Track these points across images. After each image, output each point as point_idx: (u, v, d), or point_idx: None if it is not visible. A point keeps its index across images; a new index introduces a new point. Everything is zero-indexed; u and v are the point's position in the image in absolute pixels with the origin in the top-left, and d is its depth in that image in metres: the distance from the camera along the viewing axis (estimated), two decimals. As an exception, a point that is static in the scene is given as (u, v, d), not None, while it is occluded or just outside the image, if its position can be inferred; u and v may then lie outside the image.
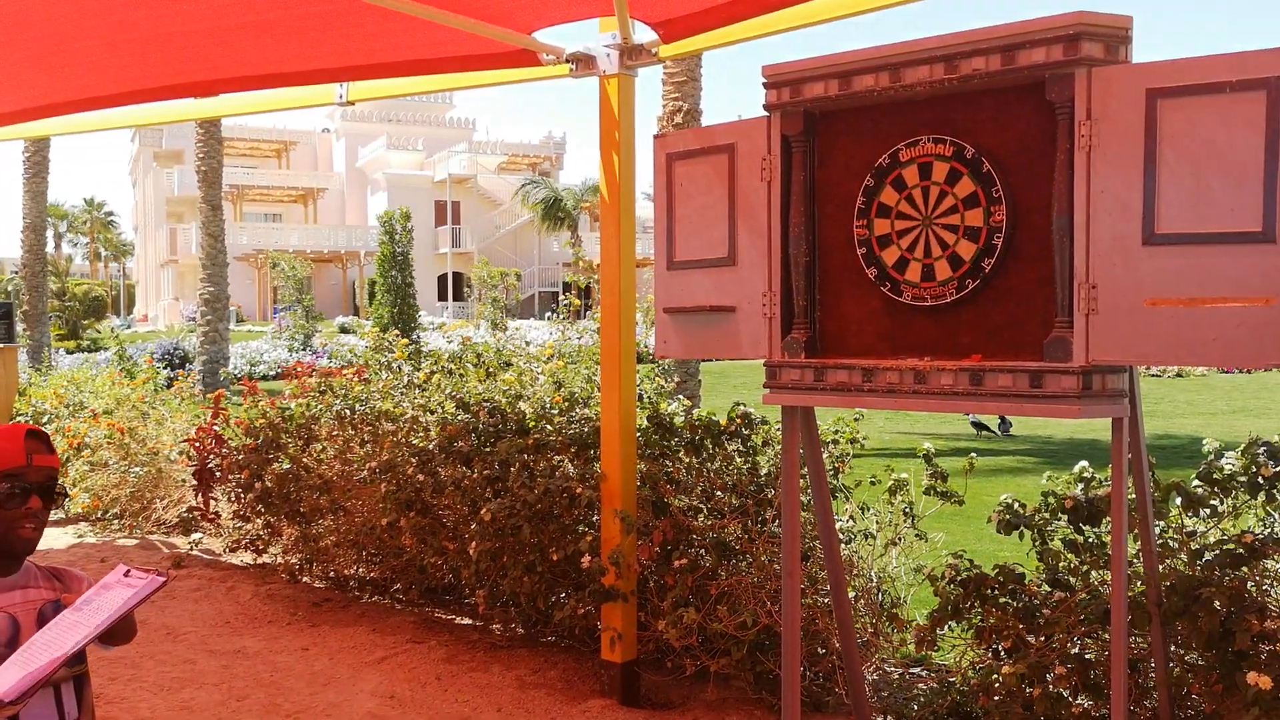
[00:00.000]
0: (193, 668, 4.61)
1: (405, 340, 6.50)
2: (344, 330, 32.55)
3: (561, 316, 7.42)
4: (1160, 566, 3.11)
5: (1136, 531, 3.07)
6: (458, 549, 4.76)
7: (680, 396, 5.64)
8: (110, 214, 69.07)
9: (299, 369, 6.70)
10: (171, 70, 4.83)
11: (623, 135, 4.11)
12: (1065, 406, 2.52)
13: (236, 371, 22.64)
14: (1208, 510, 3.40)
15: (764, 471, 4.37)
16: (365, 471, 5.24)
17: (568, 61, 4.20)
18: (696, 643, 3.97)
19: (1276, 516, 3.35)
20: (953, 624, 3.58)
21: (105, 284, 61.12)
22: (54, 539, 7.21)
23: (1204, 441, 3.60)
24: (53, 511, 2.09)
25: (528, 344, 7.20)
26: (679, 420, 4.56)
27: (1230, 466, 3.36)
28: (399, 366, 6.07)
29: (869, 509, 4.46)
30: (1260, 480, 3.30)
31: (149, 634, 4.96)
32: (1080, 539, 3.45)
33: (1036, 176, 2.58)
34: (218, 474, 6.70)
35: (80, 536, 7.37)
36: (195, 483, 7.07)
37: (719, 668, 3.94)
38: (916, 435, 13.10)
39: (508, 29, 3.96)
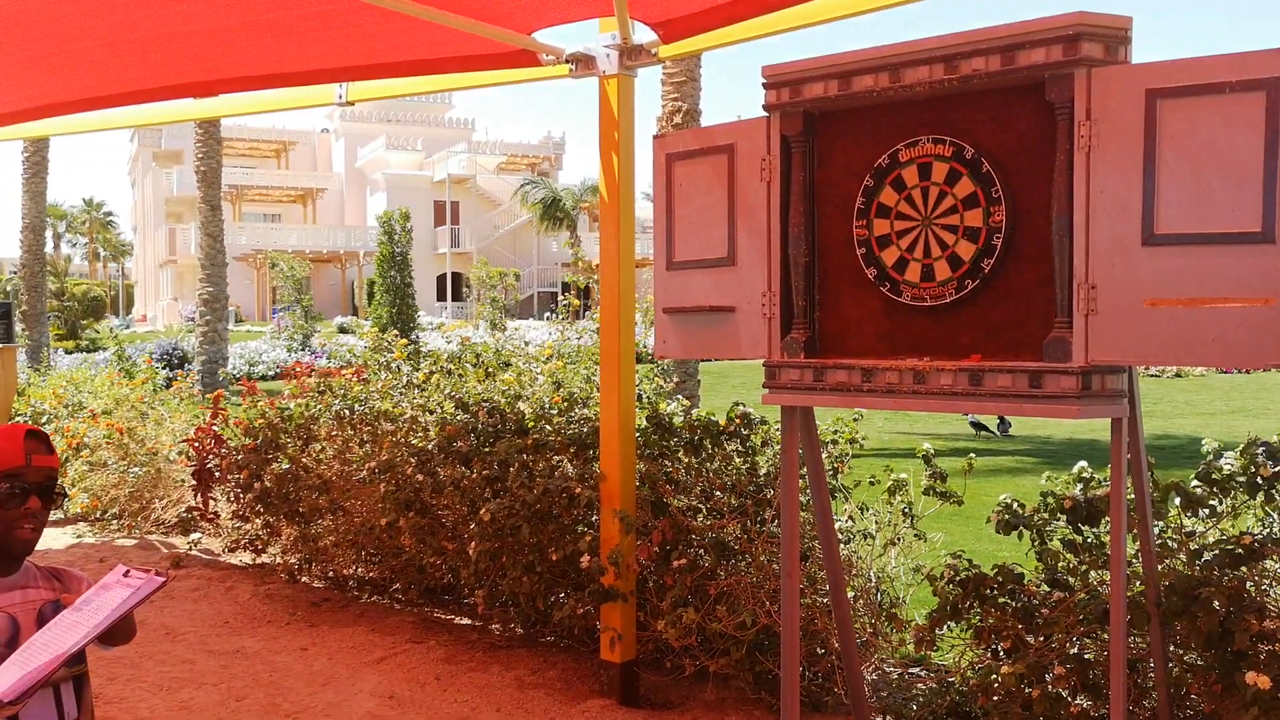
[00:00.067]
0: (192, 668, 4.61)
1: (404, 340, 6.50)
2: (343, 330, 32.54)
3: (560, 317, 7.43)
4: (1159, 566, 3.11)
5: (1135, 531, 3.07)
6: (457, 549, 4.76)
7: (679, 396, 5.65)
8: (109, 214, 69.05)
9: (298, 369, 6.70)
10: (171, 70, 4.83)
11: (622, 135, 4.11)
12: (1064, 407, 2.52)
13: (235, 372, 22.65)
14: (1206, 510, 3.40)
15: (763, 471, 4.37)
16: (364, 471, 5.24)
17: (567, 62, 4.20)
18: (696, 643, 3.97)
19: (1275, 516, 3.36)
20: (952, 624, 3.58)
21: (104, 284, 61.11)
22: (53, 539, 7.20)
23: (1203, 442, 3.60)
24: (52, 512, 2.09)
25: (527, 344, 7.20)
26: (678, 420, 4.56)
27: (1229, 467, 3.37)
28: (398, 367, 6.07)
29: (868, 509, 4.46)
30: (1259, 480, 3.30)
31: (148, 634, 4.96)
32: (1079, 539, 3.45)
33: (1036, 177, 2.58)
34: (217, 474, 6.69)
35: (79, 536, 7.37)
36: (194, 483, 7.07)
37: (718, 668, 3.94)
38: (916, 435, 13.10)
39: (508, 29, 3.96)
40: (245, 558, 6.50)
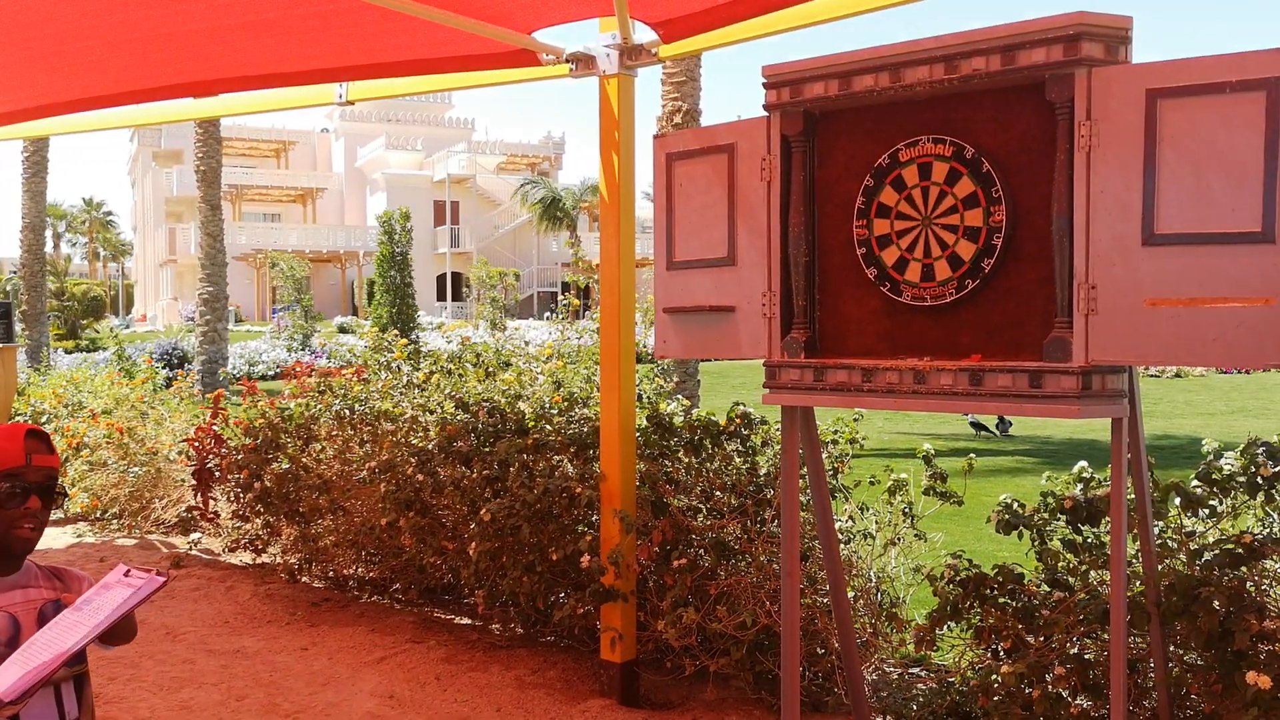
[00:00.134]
0: (192, 667, 4.61)
1: (404, 340, 6.50)
2: (343, 330, 32.55)
3: (561, 316, 7.43)
4: (1159, 566, 3.11)
5: (1136, 531, 3.07)
6: (457, 549, 4.76)
7: (679, 396, 5.65)
8: (109, 214, 69.04)
9: (298, 369, 6.69)
10: (171, 70, 4.83)
11: (622, 135, 4.11)
12: (1065, 407, 2.52)
13: (235, 371, 22.65)
14: (1207, 510, 3.40)
15: (763, 471, 4.37)
16: (364, 471, 5.24)
17: (568, 61, 4.20)
18: (696, 643, 3.97)
19: (1275, 516, 3.36)
20: (952, 624, 3.58)
21: (104, 284, 61.10)
22: (53, 538, 7.20)
23: (1203, 442, 3.61)
24: (52, 511, 2.09)
25: (527, 344, 7.20)
26: (678, 420, 4.56)
27: (1229, 467, 3.37)
28: (398, 366, 6.07)
29: (868, 509, 4.46)
30: (1259, 480, 3.30)
31: (148, 634, 4.96)
32: (1079, 539, 3.45)
33: (1036, 177, 2.58)
34: (217, 474, 6.69)
35: (79, 536, 7.37)
36: (194, 482, 7.07)
37: (718, 667, 3.94)
38: (916, 435, 13.10)
39: (508, 29, 3.96)
40: (245, 558, 6.50)
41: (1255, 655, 2.90)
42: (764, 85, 2.95)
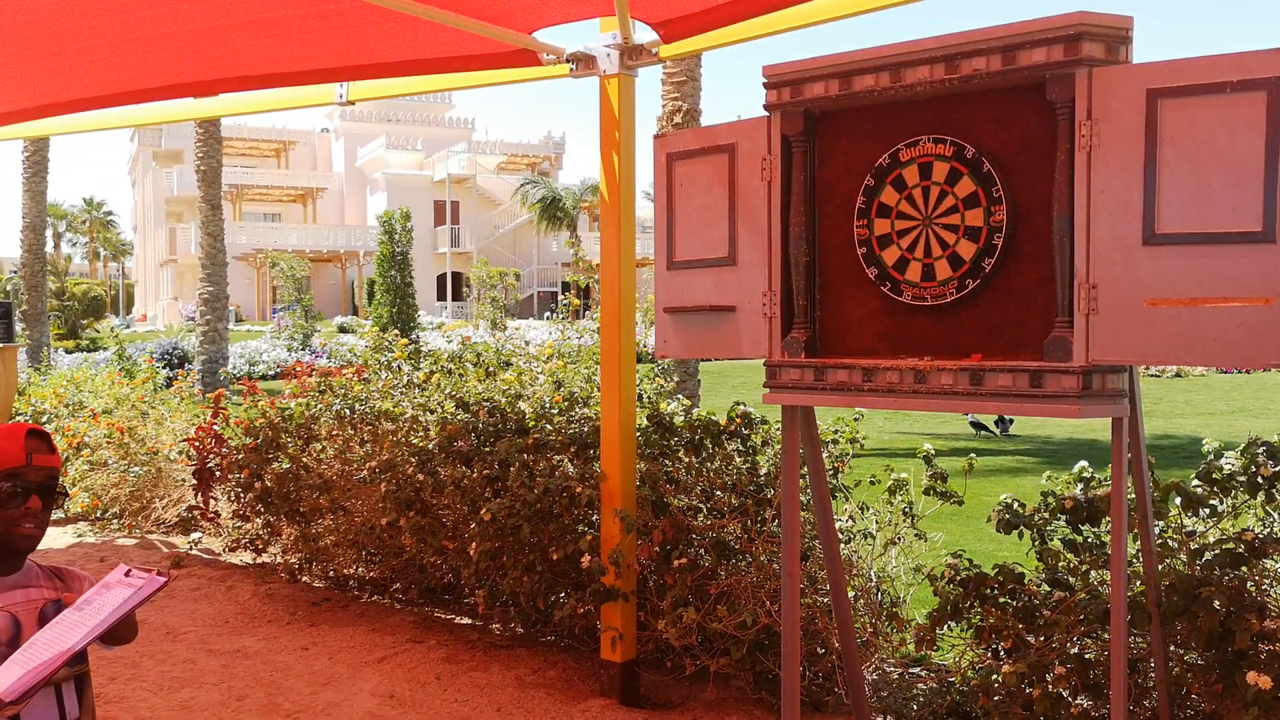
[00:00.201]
0: (192, 667, 4.61)
1: (404, 340, 6.50)
2: (343, 330, 32.56)
3: (561, 316, 7.43)
4: (1160, 566, 3.11)
5: (1136, 531, 3.07)
6: (457, 548, 4.76)
7: (680, 396, 5.65)
8: (109, 213, 69.02)
9: (298, 369, 6.69)
10: (171, 70, 4.83)
11: (623, 135, 4.11)
12: (1065, 406, 2.52)
13: (235, 371, 22.66)
14: (1207, 510, 3.40)
15: (763, 471, 4.37)
16: (365, 471, 5.24)
17: (568, 61, 4.20)
18: (696, 642, 3.97)
19: (1276, 516, 3.36)
20: (952, 624, 3.58)
21: (104, 283, 61.10)
22: (53, 538, 7.21)
23: (1203, 441, 3.61)
24: (53, 511, 2.09)
25: (527, 344, 7.20)
26: (679, 420, 4.56)
27: (1230, 466, 3.37)
28: (398, 366, 6.07)
29: (868, 509, 4.46)
30: (1259, 480, 3.30)
31: (149, 633, 4.96)
32: (1080, 539, 3.45)
33: (1037, 176, 2.58)
34: (217, 473, 6.70)
35: (80, 536, 7.37)
36: (195, 482, 7.07)
37: (719, 667, 3.94)
38: (916, 435, 13.10)
39: (508, 29, 3.96)
40: (246, 557, 6.50)
41: (1256, 655, 2.90)
42: (764, 85, 2.95)
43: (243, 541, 6.31)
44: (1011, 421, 13.66)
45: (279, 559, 6.11)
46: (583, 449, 4.53)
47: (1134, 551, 3.18)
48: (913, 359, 2.75)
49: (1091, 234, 2.47)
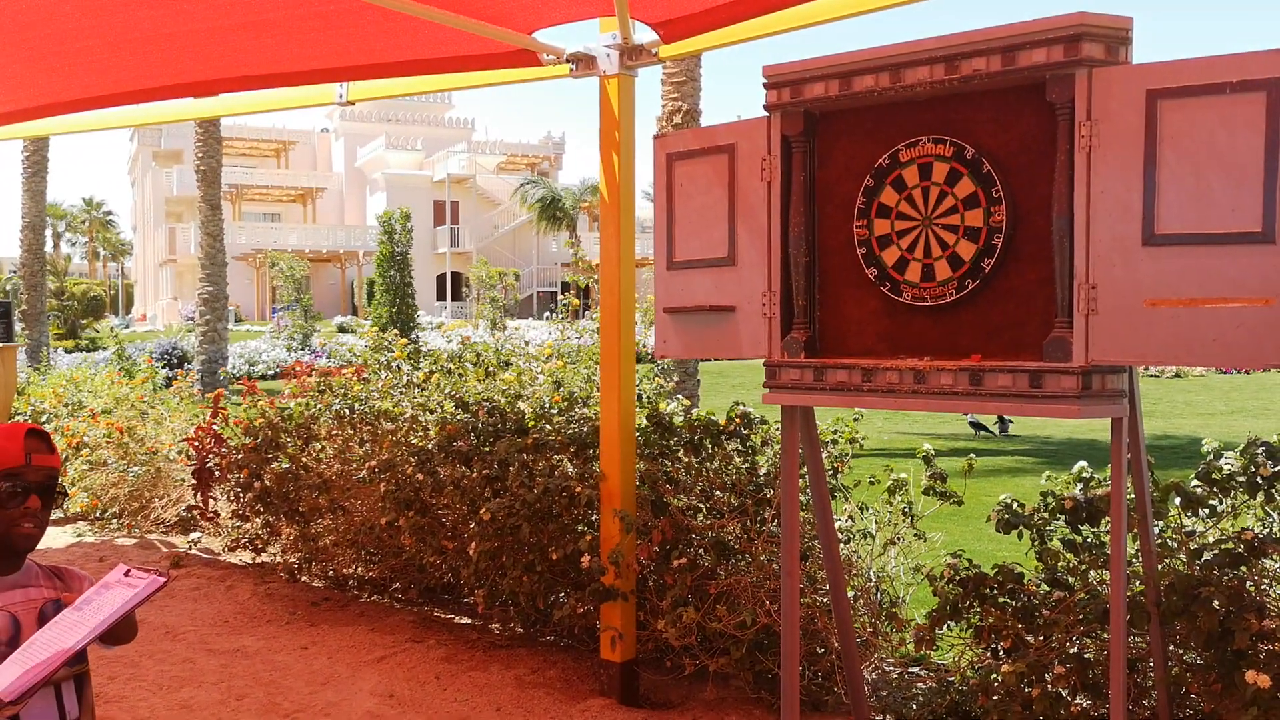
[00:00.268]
0: (192, 667, 4.61)
1: (404, 340, 6.50)
2: (342, 330, 32.55)
3: (560, 316, 7.43)
4: (1159, 566, 3.12)
5: (1135, 531, 3.07)
6: (457, 548, 4.76)
7: (679, 396, 5.65)
8: (109, 213, 68.99)
9: (298, 368, 6.69)
10: (171, 70, 4.83)
11: (623, 135, 4.11)
12: (1065, 407, 2.52)
13: (235, 371, 22.65)
14: (1206, 510, 3.41)
15: (763, 471, 4.37)
16: (364, 471, 5.24)
17: (568, 62, 4.21)
18: (695, 642, 3.98)
19: (1275, 516, 3.36)
20: (951, 623, 3.59)
21: (104, 283, 61.06)
22: (53, 538, 7.20)
23: (1203, 441, 3.61)
24: (53, 511, 2.09)
25: (527, 344, 7.20)
26: (678, 420, 4.56)
27: (1229, 466, 3.37)
28: (398, 366, 6.07)
29: (868, 509, 4.46)
30: (1259, 480, 3.31)
31: (148, 633, 4.96)
32: (1079, 539, 3.45)
33: (1037, 177, 2.58)
34: (217, 473, 6.70)
35: (79, 535, 7.37)
36: (194, 482, 7.07)
37: (718, 667, 3.94)
38: (915, 435, 13.11)
39: (508, 29, 3.96)
40: (245, 557, 6.50)
41: (1255, 655, 2.90)
42: (764, 85, 2.95)
43: (242, 541, 6.31)
44: (1011, 422, 13.66)
45: (278, 559, 6.11)
46: (582, 449, 4.53)
47: (1133, 551, 3.19)
48: (912, 359, 2.75)
49: (1091, 234, 2.47)
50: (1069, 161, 2.49)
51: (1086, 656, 3.23)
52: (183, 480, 7.34)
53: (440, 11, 3.70)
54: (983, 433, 13.28)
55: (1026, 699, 3.17)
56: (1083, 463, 3.61)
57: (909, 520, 4.31)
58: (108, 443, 7.55)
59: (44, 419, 8.86)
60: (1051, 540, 3.54)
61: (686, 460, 4.49)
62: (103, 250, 68.83)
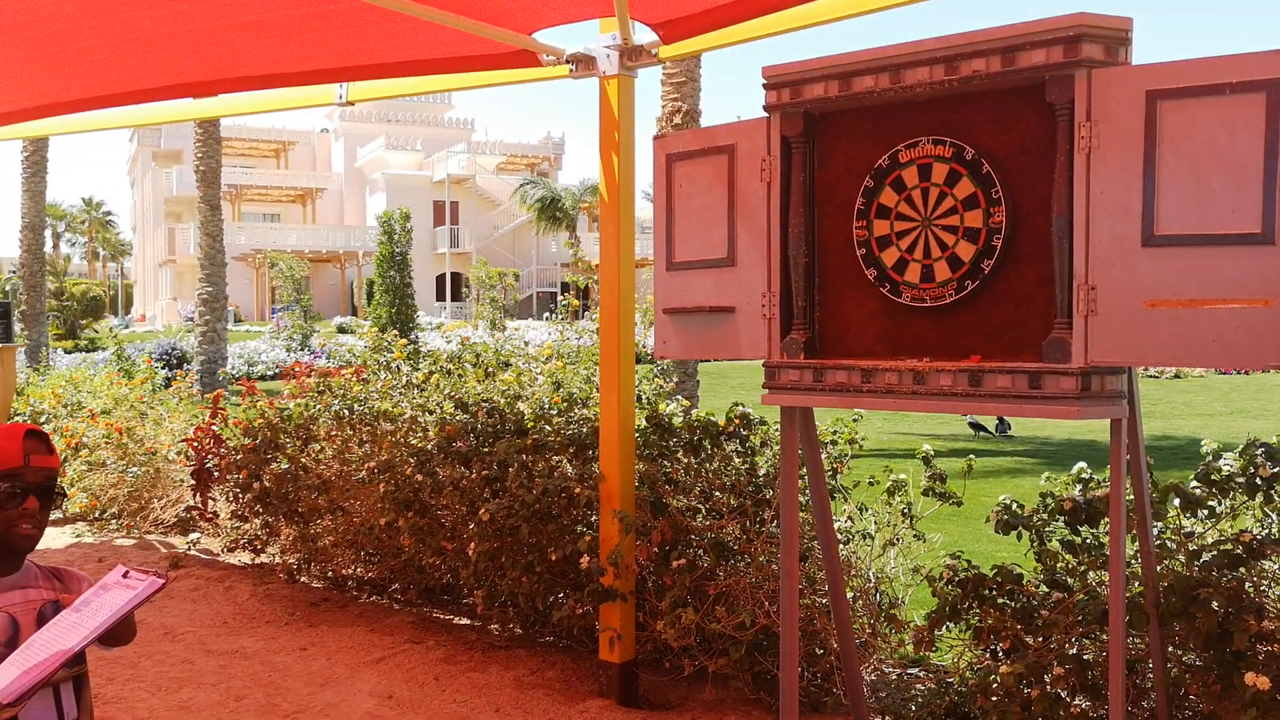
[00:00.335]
0: (191, 667, 4.61)
1: (403, 340, 6.50)
2: (342, 330, 32.54)
3: (560, 317, 7.43)
4: (1158, 567, 3.12)
5: (1134, 532, 3.07)
6: (456, 549, 4.76)
7: (679, 397, 5.65)
8: (108, 214, 68.95)
9: (297, 369, 6.69)
10: (171, 70, 4.83)
11: (622, 136, 4.11)
12: (1064, 408, 2.52)
13: (234, 371, 22.64)
14: (1206, 511, 3.40)
15: (762, 472, 4.37)
16: (364, 471, 5.24)
17: (568, 62, 4.21)
18: (695, 643, 3.97)
19: (1274, 517, 3.36)
20: (951, 624, 3.59)
21: (103, 284, 60.99)
22: (52, 539, 7.20)
23: (1202, 442, 3.61)
24: (52, 512, 2.09)
25: (526, 344, 7.20)
26: (677, 421, 4.56)
27: (1228, 467, 3.37)
28: (397, 366, 6.07)
29: (867, 510, 4.46)
30: (1258, 481, 3.30)
31: (147, 634, 4.96)
32: (1078, 540, 3.45)
33: (1036, 178, 2.58)
34: (216, 474, 6.69)
35: (78, 536, 7.37)
36: (193, 483, 7.06)
37: (717, 668, 3.94)
38: (915, 436, 13.11)
39: (508, 29, 3.96)
40: (244, 558, 6.50)
41: (1254, 656, 2.90)
42: (764, 86, 2.95)
43: (241, 542, 6.31)
44: (1010, 424, 13.66)
45: (277, 559, 6.11)
46: (581, 450, 4.53)
47: (1132, 552, 3.18)
48: (912, 360, 2.75)
49: (1091, 235, 2.47)
50: (1069, 162, 2.48)
51: (1085, 657, 3.23)
52: (182, 481, 7.33)
53: (440, 12, 3.70)
54: (982, 433, 13.28)
55: (1025, 700, 3.17)
56: (1082, 464, 3.61)
57: (908, 521, 4.31)
58: (107, 443, 7.55)
59: (43, 419, 8.86)
60: (1050, 541, 3.54)
61: (686, 461, 4.49)
62: (102, 250, 68.81)
